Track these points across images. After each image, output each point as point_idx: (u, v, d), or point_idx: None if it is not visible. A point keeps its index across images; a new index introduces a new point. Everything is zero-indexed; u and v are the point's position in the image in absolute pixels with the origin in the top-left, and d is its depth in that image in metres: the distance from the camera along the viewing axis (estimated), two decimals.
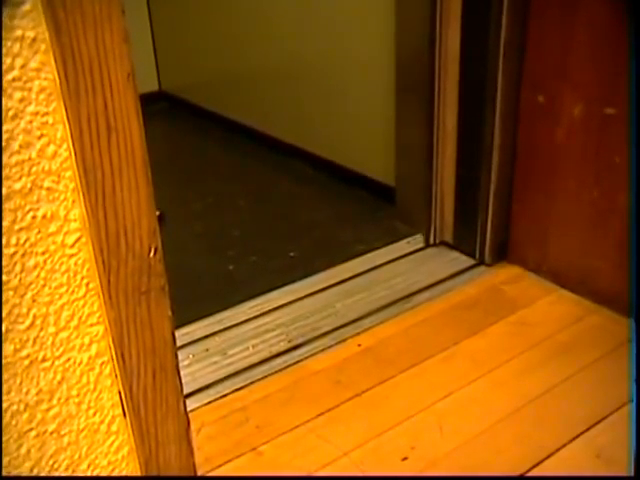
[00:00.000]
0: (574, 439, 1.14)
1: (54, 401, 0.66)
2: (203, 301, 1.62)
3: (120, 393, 0.71)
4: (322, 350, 1.40)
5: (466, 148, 1.63)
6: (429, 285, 1.60)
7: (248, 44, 2.35)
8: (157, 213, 2.14)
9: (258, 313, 1.54)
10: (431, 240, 1.78)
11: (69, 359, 0.66)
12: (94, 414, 0.70)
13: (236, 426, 1.22)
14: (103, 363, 0.69)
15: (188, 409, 1.30)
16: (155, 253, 0.67)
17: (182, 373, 1.39)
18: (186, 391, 1.32)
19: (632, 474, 1.04)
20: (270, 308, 1.56)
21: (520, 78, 1.50)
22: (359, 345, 1.40)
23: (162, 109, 2.90)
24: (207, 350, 1.43)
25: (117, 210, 0.63)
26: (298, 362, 1.37)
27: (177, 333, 1.52)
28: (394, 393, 1.28)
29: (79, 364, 0.67)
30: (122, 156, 0.61)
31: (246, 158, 2.40)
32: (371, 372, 1.33)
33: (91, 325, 0.67)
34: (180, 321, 1.52)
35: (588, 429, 1.16)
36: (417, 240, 1.81)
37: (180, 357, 1.45)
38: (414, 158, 1.76)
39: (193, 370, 1.37)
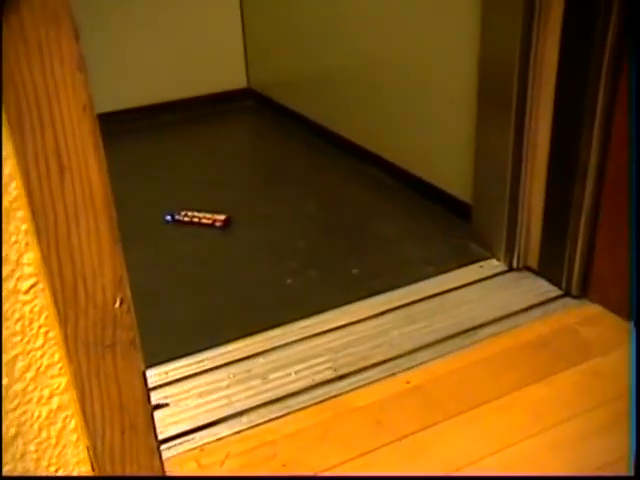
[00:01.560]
0: None
1: (8, 457, 0.61)
2: (254, 316, 1.55)
3: (88, 449, 0.64)
4: (368, 384, 1.30)
5: (558, 167, 1.48)
6: (496, 318, 1.46)
7: (334, 46, 2.26)
8: (223, 217, 2.08)
9: (308, 334, 1.46)
10: (514, 264, 1.64)
11: (25, 412, 0.60)
12: (56, 471, 0.64)
13: (262, 461, 1.14)
14: (67, 417, 0.62)
15: (217, 436, 1.24)
16: (121, 304, 0.59)
17: (218, 395, 1.33)
18: (218, 416, 1.26)
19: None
20: (322, 330, 1.47)
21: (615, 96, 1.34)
22: (408, 382, 1.29)
23: (249, 106, 2.87)
24: (249, 371, 1.36)
25: (74, 257, 0.56)
26: (340, 395, 1.28)
27: (221, 350, 1.47)
28: (438, 441, 1.16)
29: (37, 418, 0.61)
30: (78, 198, 0.54)
31: (324, 162, 2.32)
32: (416, 415, 1.21)
33: (52, 377, 0.60)
34: (227, 337, 1.46)
35: None
36: (491, 265, 1.66)
37: (220, 376, 1.40)
38: (495, 175, 1.62)
39: (230, 393, 1.30)
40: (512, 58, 1.46)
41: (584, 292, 1.49)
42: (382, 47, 2.02)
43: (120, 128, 2.67)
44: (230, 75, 2.90)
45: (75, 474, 0.65)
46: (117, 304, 0.59)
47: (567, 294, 1.51)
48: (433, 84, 1.85)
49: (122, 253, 0.59)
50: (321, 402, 1.26)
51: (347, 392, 1.28)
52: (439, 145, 1.88)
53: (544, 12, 1.40)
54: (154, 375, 1.37)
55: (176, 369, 1.38)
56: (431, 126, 1.89)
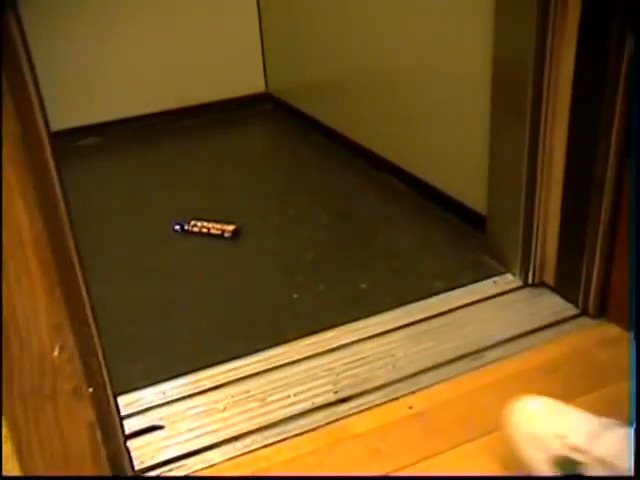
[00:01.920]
0: None
1: None
2: (257, 332, 1.51)
3: None
4: (369, 408, 1.25)
5: (575, 180, 1.41)
6: (507, 339, 1.39)
7: (352, 52, 2.21)
8: (232, 227, 2.03)
9: (311, 354, 1.41)
10: (529, 279, 1.56)
11: None
12: None
13: None
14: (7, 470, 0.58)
15: (210, 463, 1.20)
16: (61, 352, 0.55)
17: (214, 418, 1.29)
18: (212, 441, 1.21)
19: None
20: (325, 349, 1.42)
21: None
22: (410, 407, 1.23)
23: (267, 111, 2.84)
24: (247, 392, 1.32)
25: (3, 304, 0.52)
26: (339, 420, 1.23)
27: (222, 368, 1.42)
28: (440, 473, 1.10)
29: None
30: (5, 242, 0.50)
31: (339, 168, 2.27)
32: (417, 443, 1.15)
33: None
34: (229, 353, 1.42)
35: None
36: (506, 280, 1.59)
37: (218, 397, 1.35)
38: (510, 186, 1.55)
39: (226, 416, 1.26)
40: (526, 65, 1.39)
41: (602, 311, 1.41)
42: (398, 54, 1.97)
43: (138, 133, 2.66)
44: (248, 80, 2.87)
45: None
46: (56, 352, 0.55)
47: (584, 313, 1.43)
48: (448, 92, 1.79)
49: (62, 297, 0.54)
50: (319, 427, 1.21)
51: (347, 417, 1.23)
52: (453, 153, 1.82)
53: (559, 17, 1.33)
54: (152, 395, 1.33)
55: (174, 388, 1.34)
56: (446, 134, 1.83)
